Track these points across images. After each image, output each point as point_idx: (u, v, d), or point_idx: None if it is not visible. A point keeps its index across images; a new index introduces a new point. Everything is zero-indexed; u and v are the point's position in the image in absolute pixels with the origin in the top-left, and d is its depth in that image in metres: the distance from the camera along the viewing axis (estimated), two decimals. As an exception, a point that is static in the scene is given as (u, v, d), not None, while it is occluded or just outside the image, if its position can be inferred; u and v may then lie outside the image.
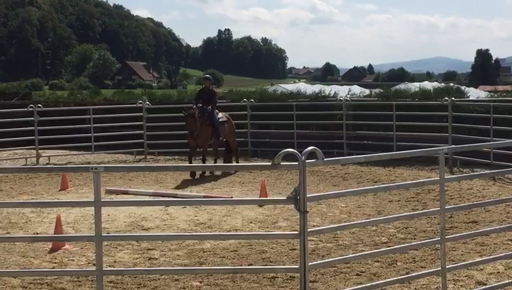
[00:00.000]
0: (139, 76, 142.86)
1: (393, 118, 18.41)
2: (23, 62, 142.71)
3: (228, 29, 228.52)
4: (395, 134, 18.41)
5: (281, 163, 6.14)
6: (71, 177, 15.54)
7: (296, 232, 6.31)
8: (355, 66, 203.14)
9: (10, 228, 10.80)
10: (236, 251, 9.18)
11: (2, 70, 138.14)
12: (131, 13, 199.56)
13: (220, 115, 16.96)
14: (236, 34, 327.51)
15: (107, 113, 20.37)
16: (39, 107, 19.43)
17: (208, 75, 17.90)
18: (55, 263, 8.75)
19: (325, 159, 6.30)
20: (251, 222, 11.03)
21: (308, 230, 6.21)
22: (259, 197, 12.44)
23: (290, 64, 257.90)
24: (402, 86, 31.27)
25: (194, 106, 16.33)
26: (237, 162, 17.62)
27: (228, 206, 11.82)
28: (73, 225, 10.93)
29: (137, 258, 8.92)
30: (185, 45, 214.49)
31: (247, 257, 8.91)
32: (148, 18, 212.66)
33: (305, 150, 6.15)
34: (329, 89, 26.23)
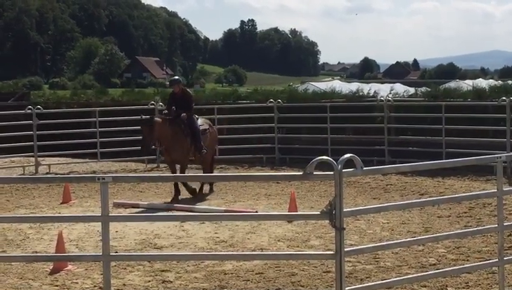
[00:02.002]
0: (151, 73, 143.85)
1: (443, 121, 18.32)
2: (21, 58, 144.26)
3: (252, 20, 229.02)
4: (445, 139, 18.30)
5: (314, 172, 6.13)
6: (74, 188, 15.68)
7: (331, 252, 6.31)
8: (397, 62, 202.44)
9: (6, 246, 10.91)
10: (262, 273, 9.18)
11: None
12: (142, 2, 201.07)
13: (200, 121, 15.78)
14: (261, 25, 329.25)
15: (115, 116, 20.51)
16: (38, 109, 19.65)
17: (176, 77, 16.43)
18: (57, 285, 8.82)
19: (365, 168, 6.29)
20: (279, 240, 11.02)
21: (345, 250, 6.20)
22: (288, 211, 12.43)
23: (322, 59, 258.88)
24: (452, 84, 31.12)
25: (165, 112, 15.39)
26: (206, 187, 15.75)
27: (252, 222, 11.84)
28: (77, 242, 11.01)
29: (149, 281, 8.96)
30: (202, 37, 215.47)
31: (275, 280, 8.90)
32: (161, 7, 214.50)
33: (342, 157, 6.16)
34: (368, 88, 26.15)
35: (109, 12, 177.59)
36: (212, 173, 16.03)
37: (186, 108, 15.17)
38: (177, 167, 15.22)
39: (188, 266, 9.49)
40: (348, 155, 6.17)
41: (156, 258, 9.52)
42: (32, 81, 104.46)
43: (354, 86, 31.45)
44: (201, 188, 15.38)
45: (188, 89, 16.16)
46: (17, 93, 27.87)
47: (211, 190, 15.69)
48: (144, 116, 14.84)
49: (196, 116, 15.68)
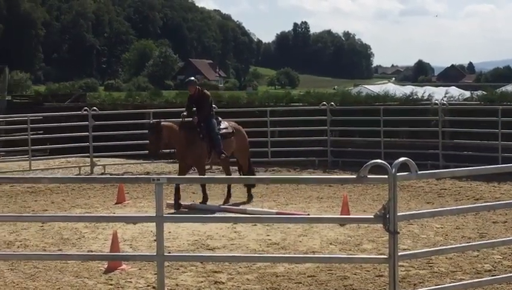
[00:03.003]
0: (204, 76, 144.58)
1: (499, 125, 18.05)
2: (77, 60, 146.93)
3: (305, 22, 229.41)
4: (501, 144, 18.03)
5: (368, 176, 6.10)
6: (128, 188, 15.86)
7: (385, 256, 6.26)
8: (452, 65, 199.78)
9: (62, 245, 11.11)
10: (314, 276, 9.16)
11: (55, 69, 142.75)
12: (196, 5, 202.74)
13: (224, 124, 14.93)
14: (314, 28, 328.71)
15: (169, 118, 20.60)
16: (94, 110, 19.93)
17: (191, 78, 15.30)
18: (111, 284, 8.95)
19: (419, 172, 6.24)
20: (331, 243, 10.98)
21: (399, 254, 6.15)
22: (341, 214, 12.38)
23: (376, 62, 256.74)
24: (509, 88, 30.62)
25: (184, 114, 14.67)
26: (248, 193, 15.11)
27: (304, 225, 11.81)
28: (131, 242, 11.15)
29: (201, 282, 9.01)
30: (255, 40, 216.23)
31: (327, 283, 8.88)
32: (215, 10, 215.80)
33: (396, 161, 6.11)
34: (423, 91, 25.95)
35: (163, 15, 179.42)
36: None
37: (203, 110, 14.49)
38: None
39: (240, 267, 9.52)
40: (402, 159, 6.13)
41: (209, 259, 9.56)
42: (88, 83, 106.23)
43: (407, 89, 31.21)
44: (249, 193, 15.08)
45: (205, 90, 15.04)
46: (73, 94, 28.46)
47: (250, 196, 15.09)
48: (152, 120, 14.10)
49: (220, 118, 15.04)
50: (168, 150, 14.83)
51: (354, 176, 6.20)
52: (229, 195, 14.79)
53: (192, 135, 14.26)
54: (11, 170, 19.72)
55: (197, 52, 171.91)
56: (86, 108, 20.09)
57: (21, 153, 20.81)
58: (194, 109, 14.66)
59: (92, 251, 10.62)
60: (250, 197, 15.06)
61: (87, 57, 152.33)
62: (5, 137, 22.98)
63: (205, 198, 14.39)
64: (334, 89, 52.93)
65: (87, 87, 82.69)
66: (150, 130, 14.13)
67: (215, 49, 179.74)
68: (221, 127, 14.75)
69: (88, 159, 19.99)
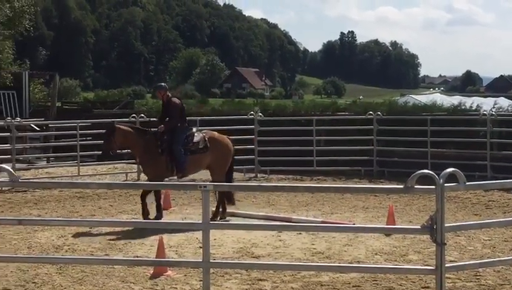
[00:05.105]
0: (250, 84, 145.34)
1: (549, 137, 17.74)
2: (125, 67, 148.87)
3: (352, 32, 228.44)
4: (551, 156, 17.70)
5: (415, 186, 6.05)
6: (174, 195, 15.97)
7: (431, 268, 6.20)
8: (501, 75, 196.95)
9: (109, 250, 11.24)
10: (358, 286, 9.11)
11: (103, 77, 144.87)
12: (243, 13, 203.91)
13: (198, 138, 13.66)
14: (361, 37, 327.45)
15: (215, 126, 20.77)
16: (142, 117, 20.10)
17: (160, 84, 14.30)
18: (157, 290, 9.02)
19: (467, 183, 6.17)
20: (376, 254, 10.90)
21: (446, 265, 6.08)
22: (386, 225, 12.28)
23: (423, 71, 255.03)
24: (560, 99, 30.09)
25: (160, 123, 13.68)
26: (223, 210, 13.94)
27: (349, 235, 11.75)
28: (177, 248, 11.21)
29: (246, 289, 9.03)
30: (302, 49, 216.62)
31: None
32: (262, 19, 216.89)
33: (444, 171, 6.05)
34: (471, 102, 25.71)
35: (211, 23, 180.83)
36: (229, 196, 13.99)
37: (170, 120, 13.55)
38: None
39: (284, 276, 9.50)
40: (450, 169, 6.07)
41: (254, 267, 9.57)
42: (136, 90, 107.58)
43: (455, 100, 30.90)
44: (217, 208, 13.92)
45: (174, 98, 13.83)
46: (121, 101, 28.85)
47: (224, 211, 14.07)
48: (110, 122, 13.51)
49: (194, 129, 14.08)
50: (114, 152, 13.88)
51: (401, 186, 6.15)
52: (220, 208, 13.91)
53: (151, 145, 13.41)
54: (60, 175, 20.02)
55: (243, 60, 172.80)
56: (133, 115, 20.30)
57: (70, 159, 21.13)
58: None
59: (138, 257, 10.71)
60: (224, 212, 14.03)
61: (135, 64, 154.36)
62: (54, 143, 23.37)
63: (159, 213, 13.54)
64: (360, 98, 51.07)
65: (134, 95, 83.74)
66: (106, 130, 13.67)
67: (262, 58, 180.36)
68: (195, 140, 13.63)
69: (135, 166, 20.15)
